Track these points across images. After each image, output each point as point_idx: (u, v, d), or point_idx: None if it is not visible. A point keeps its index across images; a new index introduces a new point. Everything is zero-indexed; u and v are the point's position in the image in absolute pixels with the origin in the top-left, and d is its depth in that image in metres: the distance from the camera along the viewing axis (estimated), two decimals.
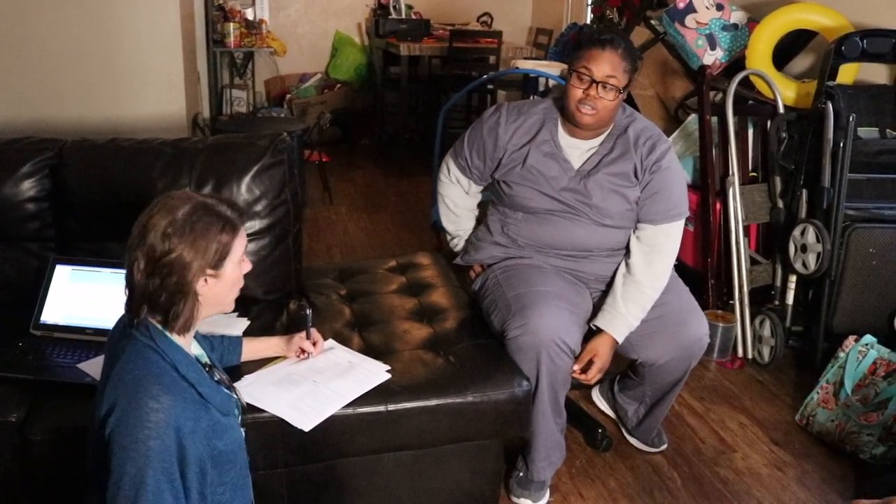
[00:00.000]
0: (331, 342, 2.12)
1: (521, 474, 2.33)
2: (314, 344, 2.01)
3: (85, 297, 2.18)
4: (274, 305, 2.39)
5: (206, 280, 1.43)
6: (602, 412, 2.77)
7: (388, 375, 2.00)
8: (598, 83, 2.11)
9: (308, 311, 2.00)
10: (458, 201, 2.48)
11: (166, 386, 1.36)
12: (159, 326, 1.44)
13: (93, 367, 1.96)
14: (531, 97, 4.88)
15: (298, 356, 2.01)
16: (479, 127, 2.34)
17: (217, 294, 1.47)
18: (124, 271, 1.43)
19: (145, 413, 1.32)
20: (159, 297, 1.40)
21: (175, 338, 1.45)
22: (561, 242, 2.27)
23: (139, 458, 1.31)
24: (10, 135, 2.49)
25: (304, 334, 2.00)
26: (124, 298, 1.43)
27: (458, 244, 2.53)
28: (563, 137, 2.26)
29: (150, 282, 1.39)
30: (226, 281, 1.47)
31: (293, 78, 6.89)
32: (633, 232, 2.27)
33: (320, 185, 5.24)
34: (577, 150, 2.25)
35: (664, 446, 2.62)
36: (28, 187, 2.34)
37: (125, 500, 1.31)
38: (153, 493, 1.31)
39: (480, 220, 2.50)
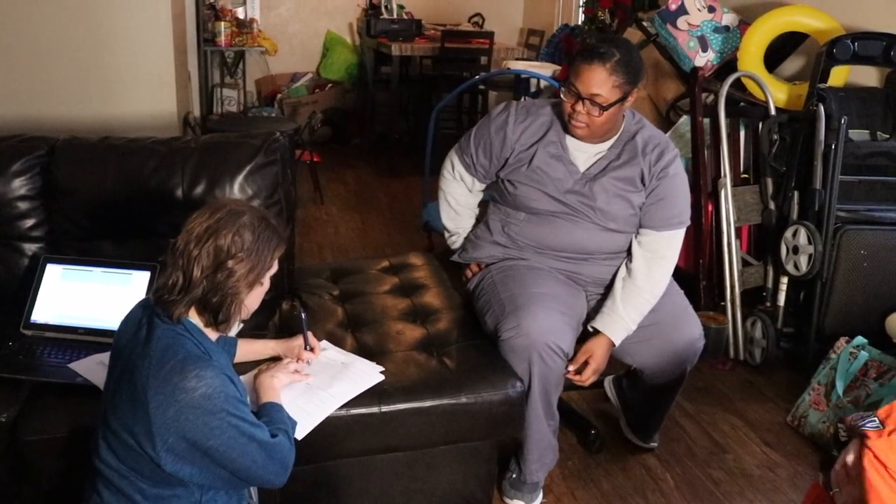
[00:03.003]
0: (324, 343, 2.10)
1: (514, 475, 2.33)
2: (311, 349, 1.97)
3: (76, 296, 2.16)
4: (267, 306, 2.35)
5: (250, 288, 1.50)
6: (599, 410, 2.78)
7: (382, 377, 1.99)
8: (583, 99, 2.10)
9: (303, 315, 1.97)
10: (460, 199, 2.46)
11: (205, 364, 1.44)
12: (195, 323, 1.50)
13: (84, 366, 1.95)
14: (522, 98, 4.89)
15: (297, 360, 1.97)
16: (487, 125, 2.32)
17: (251, 303, 1.55)
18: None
19: (195, 388, 1.40)
20: (213, 296, 1.46)
21: (209, 333, 1.53)
22: (561, 244, 2.26)
23: (219, 421, 1.42)
24: None
25: (301, 340, 1.97)
26: (168, 296, 1.46)
27: (455, 241, 2.51)
28: (571, 140, 2.24)
29: (209, 280, 1.44)
30: (261, 291, 1.56)
31: (284, 77, 6.88)
32: (635, 237, 2.26)
33: (311, 185, 5.22)
34: (584, 154, 2.24)
35: (656, 444, 2.63)
36: (19, 185, 2.32)
37: (243, 454, 1.45)
38: (250, 427, 1.47)
39: (480, 218, 2.49)
